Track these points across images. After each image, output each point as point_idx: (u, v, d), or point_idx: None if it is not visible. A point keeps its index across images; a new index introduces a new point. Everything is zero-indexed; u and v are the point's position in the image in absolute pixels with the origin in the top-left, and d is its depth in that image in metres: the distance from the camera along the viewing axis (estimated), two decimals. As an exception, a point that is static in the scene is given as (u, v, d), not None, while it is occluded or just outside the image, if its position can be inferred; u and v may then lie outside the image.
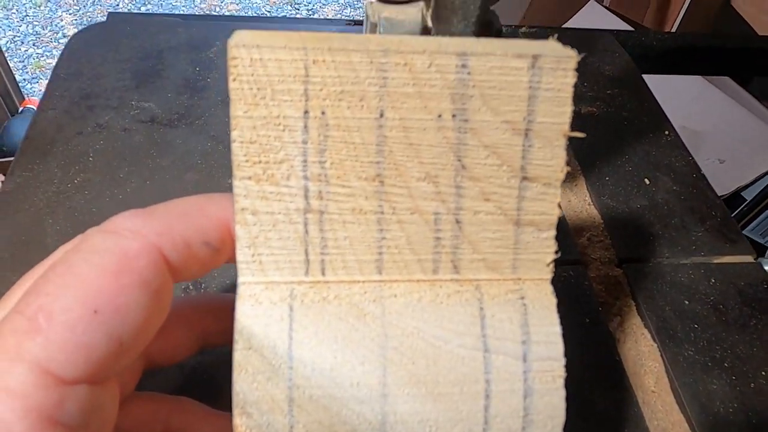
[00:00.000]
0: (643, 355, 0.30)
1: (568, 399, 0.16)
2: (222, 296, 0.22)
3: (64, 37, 1.97)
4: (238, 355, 0.15)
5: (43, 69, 1.83)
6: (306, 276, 0.16)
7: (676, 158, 0.40)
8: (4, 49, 1.52)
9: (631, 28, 1.07)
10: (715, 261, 0.34)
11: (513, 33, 0.50)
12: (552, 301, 0.17)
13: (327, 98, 0.15)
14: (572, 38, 0.50)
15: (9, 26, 2.00)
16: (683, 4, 1.19)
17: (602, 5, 1.18)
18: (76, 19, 2.05)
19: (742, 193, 0.89)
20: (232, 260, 0.17)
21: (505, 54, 0.16)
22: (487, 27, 0.24)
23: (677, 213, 0.36)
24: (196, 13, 2.13)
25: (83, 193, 0.33)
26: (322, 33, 0.15)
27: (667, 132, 0.42)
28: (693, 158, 0.40)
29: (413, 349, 0.16)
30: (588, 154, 0.39)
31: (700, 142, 0.94)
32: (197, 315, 0.21)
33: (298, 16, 2.17)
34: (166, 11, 2.12)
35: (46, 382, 0.14)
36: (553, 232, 0.17)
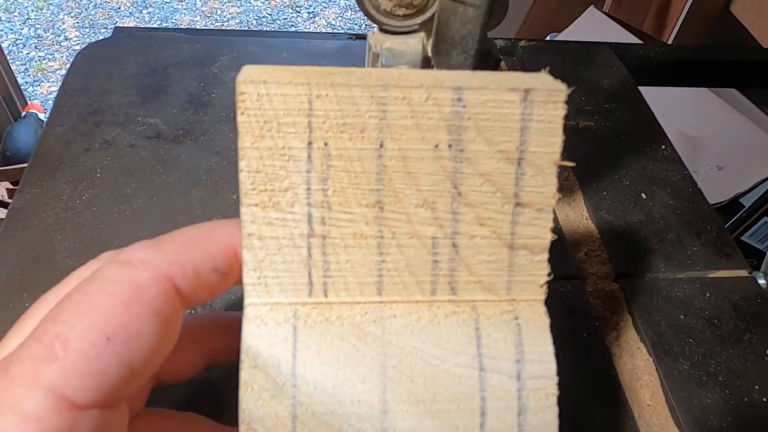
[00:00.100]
0: (639, 369, 0.30)
1: (561, 416, 0.17)
2: (228, 314, 0.23)
3: (66, 40, 1.97)
4: (244, 374, 0.16)
5: (44, 72, 1.83)
6: (309, 297, 0.17)
7: (673, 172, 0.41)
8: (6, 52, 1.53)
9: (630, 34, 1.08)
10: (710, 275, 0.35)
11: (512, 46, 0.51)
12: (545, 321, 0.17)
13: (330, 130, 0.16)
14: (570, 52, 0.51)
15: (11, 29, 2.01)
16: (682, 10, 1.19)
17: (602, 11, 1.18)
18: (77, 22, 2.06)
19: (740, 200, 0.90)
20: (239, 283, 0.18)
21: (499, 88, 0.16)
22: (486, 57, 0.24)
23: (673, 227, 0.37)
24: (198, 16, 2.13)
25: (91, 209, 0.34)
26: (325, 68, 0.16)
27: (663, 146, 0.43)
28: (689, 172, 0.41)
29: (412, 367, 0.16)
30: (585, 169, 0.40)
31: (699, 148, 0.94)
32: (204, 333, 0.21)
33: (299, 19, 2.17)
34: (168, 14, 2.12)
35: (59, 406, 0.14)
36: (546, 255, 0.18)
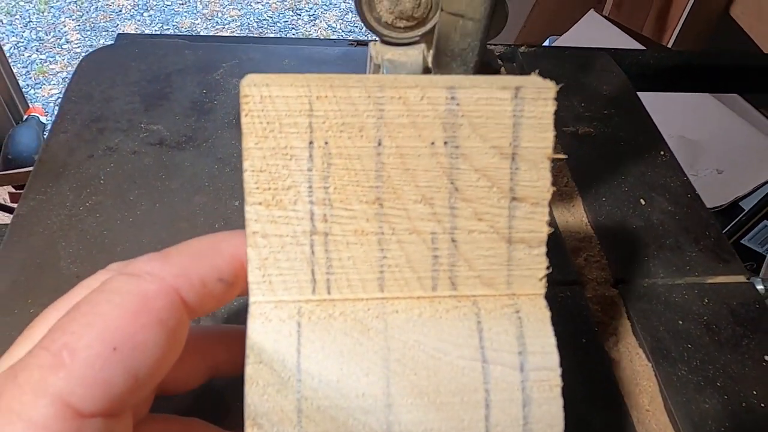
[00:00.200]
0: (637, 375, 0.31)
1: (566, 408, 0.17)
2: (232, 327, 0.23)
3: (67, 42, 1.98)
4: (250, 369, 0.17)
5: (46, 74, 1.84)
6: (313, 294, 0.17)
7: (671, 178, 0.41)
8: (7, 54, 1.54)
9: (630, 38, 1.08)
10: (709, 281, 0.35)
11: (512, 52, 0.51)
12: (546, 314, 0.18)
13: (330, 130, 0.17)
14: (569, 58, 0.51)
15: (12, 32, 2.01)
16: (682, 13, 1.20)
17: (601, 15, 1.19)
18: (79, 25, 2.07)
19: (740, 203, 0.90)
20: (245, 293, 0.18)
21: (490, 86, 0.17)
22: (485, 68, 0.25)
23: (672, 233, 0.37)
24: (199, 19, 2.14)
25: (95, 215, 0.34)
26: (324, 75, 0.17)
27: (662, 152, 0.43)
28: (687, 178, 0.41)
29: (415, 360, 0.17)
30: (585, 175, 0.40)
31: (699, 152, 0.94)
32: (209, 345, 0.22)
33: (299, 22, 2.18)
34: (168, 17, 2.13)
35: (65, 414, 0.15)
36: (543, 249, 0.18)
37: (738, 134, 0.93)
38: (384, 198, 0.17)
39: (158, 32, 2.06)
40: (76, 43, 1.98)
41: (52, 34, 2.02)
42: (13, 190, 1.13)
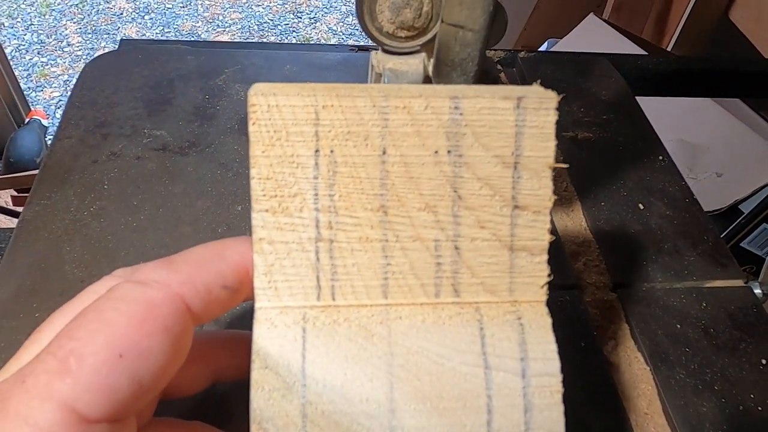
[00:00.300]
0: (636, 378, 0.31)
1: (566, 412, 0.17)
2: (236, 332, 0.23)
3: (69, 45, 1.99)
4: (256, 374, 0.17)
5: (47, 77, 1.85)
6: (318, 301, 0.18)
7: (670, 183, 0.41)
8: (9, 57, 1.54)
9: (630, 41, 1.09)
10: (707, 285, 0.35)
11: (512, 57, 0.51)
12: (547, 321, 0.18)
13: (335, 138, 0.17)
14: (568, 63, 0.52)
15: (14, 35, 2.02)
16: (681, 17, 1.20)
17: (601, 18, 1.19)
18: (80, 28, 2.07)
19: (739, 206, 0.90)
20: (249, 298, 0.19)
21: (493, 96, 0.18)
22: (484, 76, 0.25)
23: (670, 238, 0.38)
24: (200, 22, 2.14)
25: (99, 220, 0.35)
26: (329, 84, 0.17)
27: (661, 157, 0.43)
28: (686, 183, 0.42)
29: (418, 366, 0.17)
30: (584, 179, 0.41)
31: (698, 155, 0.95)
32: (212, 350, 0.22)
33: (300, 25, 2.18)
34: (170, 20, 2.13)
35: (71, 420, 0.15)
36: (545, 257, 0.18)
37: (737, 137, 0.93)
38: (388, 206, 0.18)
39: (159, 35, 2.07)
40: (78, 46, 1.99)
41: (53, 37, 2.02)
42: (16, 194, 1.13)
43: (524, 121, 0.18)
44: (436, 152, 0.18)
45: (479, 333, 0.18)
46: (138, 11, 2.17)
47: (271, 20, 2.20)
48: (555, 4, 1.41)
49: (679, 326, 0.33)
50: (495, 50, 0.52)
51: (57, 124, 0.41)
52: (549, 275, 0.18)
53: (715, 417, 0.29)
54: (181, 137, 0.41)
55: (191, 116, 0.42)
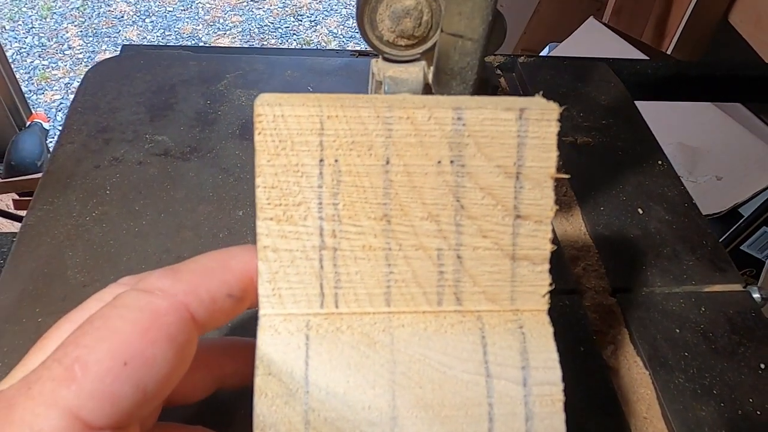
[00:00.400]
0: (635, 383, 0.31)
1: (567, 420, 0.17)
2: (238, 340, 0.24)
3: (70, 48, 1.99)
4: (259, 380, 0.17)
5: (48, 80, 1.85)
6: (321, 308, 0.18)
7: (669, 188, 0.42)
8: (10, 60, 1.54)
9: (630, 45, 1.09)
10: (706, 289, 0.35)
11: (512, 62, 0.52)
12: (549, 330, 0.18)
13: (339, 148, 0.18)
14: (568, 68, 0.52)
15: (15, 38, 2.03)
16: (681, 20, 1.20)
17: (601, 22, 1.19)
18: (81, 31, 2.08)
19: (739, 209, 0.91)
20: (253, 307, 0.19)
21: (496, 107, 0.18)
22: (484, 85, 0.25)
23: (669, 242, 0.38)
24: (200, 25, 2.15)
25: (101, 225, 0.35)
26: (334, 94, 0.18)
27: (660, 161, 0.44)
28: (684, 187, 0.42)
29: (420, 374, 0.17)
30: (583, 184, 0.41)
31: (698, 158, 0.95)
32: (214, 357, 0.22)
33: (300, 27, 2.19)
34: (170, 23, 2.14)
35: (75, 427, 0.15)
36: (546, 266, 0.18)
37: (737, 140, 0.94)
38: (391, 215, 0.18)
39: (160, 38, 2.07)
40: (79, 49, 1.99)
41: (54, 40, 2.03)
42: (17, 197, 1.14)
43: (526, 132, 0.18)
44: (439, 162, 0.18)
45: (481, 341, 0.18)
46: (139, 14, 2.18)
47: (272, 23, 2.20)
48: (555, 8, 1.42)
49: (678, 331, 0.33)
50: (495, 55, 0.52)
51: (58, 127, 0.41)
52: (550, 284, 0.18)
53: (714, 421, 0.29)
54: (183, 142, 0.41)
55: (193, 121, 0.43)
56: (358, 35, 2.15)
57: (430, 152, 0.18)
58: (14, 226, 1.06)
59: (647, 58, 1.02)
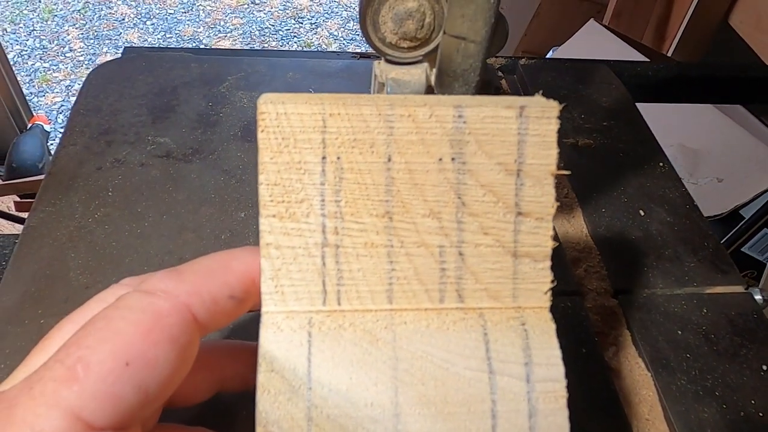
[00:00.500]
0: (637, 384, 0.31)
1: (571, 420, 0.17)
2: (239, 343, 0.24)
3: (71, 51, 1.99)
4: (262, 377, 0.17)
5: (49, 83, 1.85)
6: (323, 305, 0.18)
7: (670, 189, 0.42)
8: (11, 63, 1.55)
9: (630, 47, 1.09)
10: (707, 291, 0.35)
11: (513, 64, 0.52)
12: (551, 326, 0.18)
13: (342, 146, 0.18)
14: (569, 70, 0.52)
15: (16, 40, 2.03)
16: (681, 22, 1.20)
17: (601, 24, 1.20)
18: (82, 33, 2.08)
19: (740, 211, 0.91)
20: (255, 308, 0.19)
21: (496, 105, 0.18)
22: (486, 86, 0.26)
23: (671, 244, 0.38)
24: (201, 27, 2.15)
25: (103, 227, 0.35)
26: (336, 94, 0.18)
27: (661, 163, 0.44)
28: (686, 189, 0.42)
29: (423, 371, 0.17)
30: (585, 186, 0.41)
31: (699, 160, 0.95)
32: (216, 359, 0.22)
33: (301, 30, 2.19)
34: (171, 25, 2.14)
35: (76, 428, 0.15)
36: (548, 263, 0.19)
37: (737, 142, 0.94)
38: (393, 212, 0.18)
39: (161, 40, 2.08)
40: (80, 52, 2.00)
41: (55, 42, 2.03)
42: (18, 199, 1.14)
43: (527, 130, 0.18)
44: (440, 159, 0.18)
45: (483, 338, 0.18)
46: (140, 17, 2.18)
47: (273, 25, 2.20)
48: (555, 11, 1.42)
49: (680, 332, 0.33)
50: (496, 57, 0.52)
51: (59, 130, 0.41)
52: (552, 281, 0.19)
53: (716, 423, 0.29)
54: (185, 144, 0.41)
55: (195, 123, 0.43)
56: (358, 38, 2.15)
57: (432, 150, 0.18)
58: (16, 228, 1.06)
59: (648, 60, 1.02)
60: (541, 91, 0.19)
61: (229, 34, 2.14)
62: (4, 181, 1.31)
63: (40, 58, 1.96)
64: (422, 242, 0.18)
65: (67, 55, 1.98)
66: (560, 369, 0.18)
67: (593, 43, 1.16)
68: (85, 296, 0.20)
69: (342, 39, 2.17)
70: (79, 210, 0.36)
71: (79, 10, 2.18)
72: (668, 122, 0.96)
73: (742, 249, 0.90)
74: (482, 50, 0.24)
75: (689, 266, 0.37)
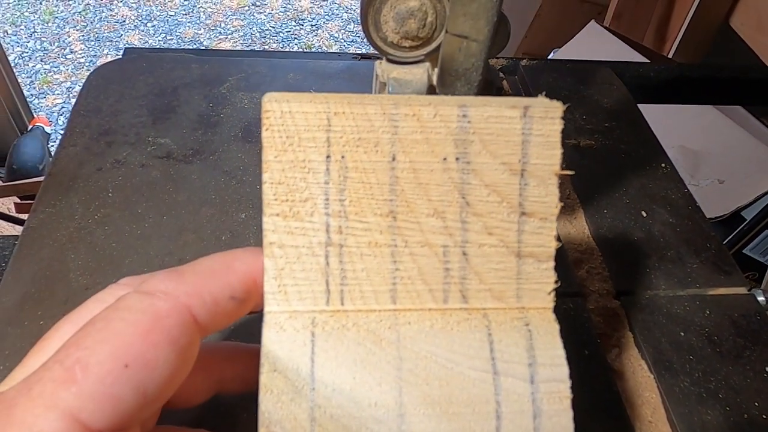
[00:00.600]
0: (640, 386, 0.31)
1: (575, 420, 0.17)
2: (238, 345, 0.24)
3: (72, 53, 1.99)
4: (264, 377, 0.17)
5: (50, 84, 1.85)
6: (327, 305, 0.18)
7: (672, 190, 0.42)
8: (12, 64, 1.55)
9: (631, 48, 1.09)
10: (710, 293, 0.35)
11: (514, 65, 0.52)
12: (555, 327, 0.18)
13: (346, 145, 0.18)
14: (570, 71, 0.52)
15: (17, 42, 2.03)
16: (682, 24, 1.20)
17: (602, 26, 1.20)
18: (83, 35, 2.08)
19: (741, 213, 0.91)
20: (256, 309, 0.19)
21: (500, 105, 0.18)
22: (488, 86, 0.25)
23: (673, 245, 0.38)
24: (202, 29, 2.15)
25: (104, 228, 0.35)
26: (341, 93, 0.18)
27: (663, 164, 0.44)
28: (688, 190, 0.42)
29: (427, 371, 0.17)
30: (587, 187, 0.41)
31: (700, 162, 0.95)
32: (215, 361, 0.22)
33: (302, 32, 2.19)
34: (172, 27, 2.14)
35: (74, 429, 0.15)
36: (552, 263, 0.18)
37: (739, 144, 0.94)
38: (397, 211, 0.18)
39: (162, 42, 2.08)
40: (80, 54, 2.00)
41: (56, 44, 2.03)
42: (19, 201, 1.14)
43: (531, 130, 0.18)
44: (445, 159, 0.18)
45: (487, 338, 0.18)
46: (140, 19, 2.18)
47: (273, 27, 2.20)
48: (556, 12, 1.42)
49: (682, 334, 0.33)
50: (497, 58, 0.52)
51: (59, 131, 0.41)
52: (556, 282, 0.18)
53: (720, 425, 0.29)
54: (185, 145, 0.41)
55: (195, 124, 0.43)
56: (359, 39, 2.15)
57: (436, 149, 0.18)
58: (16, 230, 1.06)
59: (648, 61, 1.02)
60: (544, 92, 0.18)
61: (229, 36, 2.15)
62: (4, 182, 1.31)
63: (41, 60, 1.96)
64: (426, 242, 0.18)
65: (67, 57, 1.98)
66: (564, 369, 0.17)
67: (594, 44, 1.16)
68: (85, 297, 0.20)
69: (343, 41, 2.17)
70: (79, 211, 0.36)
71: (79, 12, 2.18)
72: (669, 124, 0.96)
73: (744, 251, 0.90)
74: (484, 49, 0.24)
75: (692, 267, 0.36)
